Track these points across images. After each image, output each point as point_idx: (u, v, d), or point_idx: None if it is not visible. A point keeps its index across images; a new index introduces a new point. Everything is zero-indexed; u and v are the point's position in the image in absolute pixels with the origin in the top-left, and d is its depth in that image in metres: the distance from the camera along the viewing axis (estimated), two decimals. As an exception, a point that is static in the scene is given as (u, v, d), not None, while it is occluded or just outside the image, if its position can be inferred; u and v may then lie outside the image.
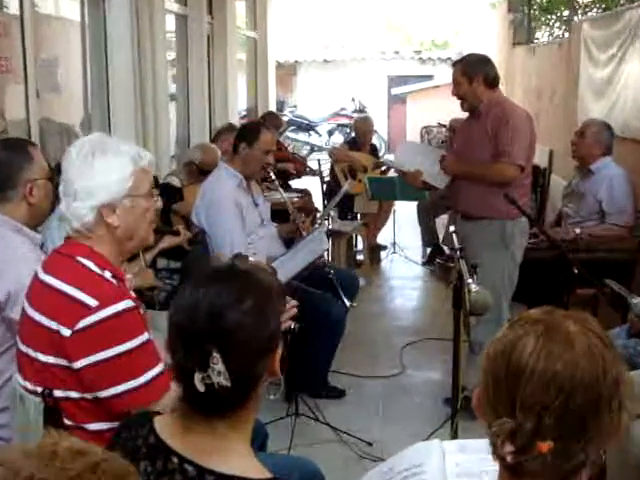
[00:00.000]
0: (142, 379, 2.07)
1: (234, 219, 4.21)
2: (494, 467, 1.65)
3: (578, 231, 5.03)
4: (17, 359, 2.24)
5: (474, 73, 4.29)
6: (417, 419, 4.35)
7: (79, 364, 2.05)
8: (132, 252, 2.43)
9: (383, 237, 8.38)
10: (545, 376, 1.19)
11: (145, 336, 2.10)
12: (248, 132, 4.44)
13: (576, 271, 3.06)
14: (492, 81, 4.34)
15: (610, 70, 6.07)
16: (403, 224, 8.53)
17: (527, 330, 1.26)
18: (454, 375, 3.08)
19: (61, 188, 2.21)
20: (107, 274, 2.16)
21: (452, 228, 3.31)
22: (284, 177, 7.71)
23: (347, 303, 4.57)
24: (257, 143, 4.32)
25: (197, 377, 1.45)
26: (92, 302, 2.05)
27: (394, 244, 8.18)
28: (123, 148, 2.22)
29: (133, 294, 2.21)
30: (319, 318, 4.12)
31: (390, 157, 4.87)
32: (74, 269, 2.15)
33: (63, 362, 2.09)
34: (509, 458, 1.20)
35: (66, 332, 2.05)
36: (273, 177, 4.81)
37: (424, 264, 7.95)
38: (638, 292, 3.27)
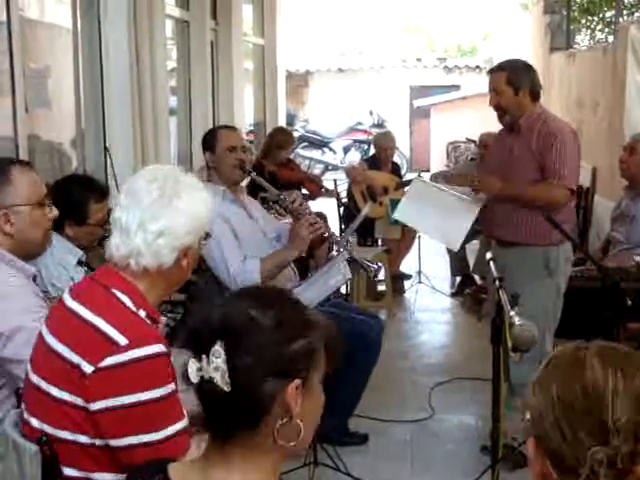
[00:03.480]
0: (163, 433, 2.05)
1: (223, 238, 4.16)
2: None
3: (639, 259, 5.01)
4: (24, 391, 2.24)
5: (521, 82, 4.27)
6: (450, 468, 4.33)
7: (96, 406, 2.04)
8: None
9: (407, 265, 8.39)
10: (633, 386, 1.22)
11: (172, 386, 2.09)
12: (206, 140, 4.50)
13: (630, 302, 3.05)
14: (537, 93, 4.35)
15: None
16: (429, 251, 8.52)
17: (577, 355, 1.30)
18: (494, 420, 3.06)
19: (126, 220, 2.20)
20: (142, 313, 2.17)
21: (489, 255, 3.31)
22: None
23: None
24: (218, 145, 4.37)
25: (192, 364, 1.47)
26: (122, 340, 2.05)
27: (419, 273, 8.17)
28: (201, 185, 2.31)
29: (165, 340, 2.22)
30: (354, 342, 4.03)
31: (398, 215, 4.85)
32: (107, 301, 2.16)
33: (79, 401, 2.07)
34: None
35: (88, 368, 2.04)
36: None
37: (453, 295, 7.96)
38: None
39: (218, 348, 1.45)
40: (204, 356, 1.46)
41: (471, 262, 7.81)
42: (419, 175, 6.28)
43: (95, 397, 2.04)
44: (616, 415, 1.20)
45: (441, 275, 8.32)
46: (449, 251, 7.97)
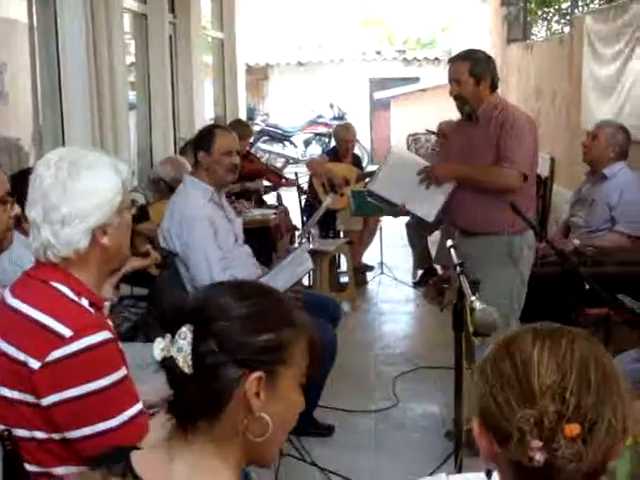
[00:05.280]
0: (119, 419, 2.05)
1: (209, 240, 4.18)
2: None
3: (577, 242, 5.11)
4: None
5: (483, 73, 4.29)
6: (415, 456, 4.34)
7: (48, 401, 2.03)
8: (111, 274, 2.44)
9: (369, 257, 8.41)
10: (557, 357, 1.29)
11: (123, 372, 2.08)
12: (203, 138, 4.45)
13: (587, 287, 3.08)
14: (496, 84, 4.38)
15: (617, 67, 6.17)
16: (391, 242, 8.57)
17: (517, 332, 1.38)
18: (457, 406, 3.08)
19: (33, 215, 2.16)
20: (84, 301, 2.15)
21: (450, 242, 3.32)
22: (257, 194, 7.73)
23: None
24: (214, 147, 4.32)
25: (158, 341, 1.47)
26: (66, 332, 2.03)
27: (381, 264, 8.21)
28: (105, 160, 2.22)
29: (111, 323, 2.19)
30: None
31: (376, 186, 4.80)
32: (47, 295, 2.13)
33: (30, 398, 2.06)
34: (538, 456, 1.24)
35: (35, 364, 2.02)
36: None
37: (415, 285, 8.00)
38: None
39: (185, 330, 1.45)
40: (170, 335, 1.46)
41: (433, 253, 7.85)
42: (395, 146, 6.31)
43: (46, 392, 2.03)
44: (542, 379, 1.27)
45: (403, 266, 8.36)
46: (411, 243, 8.02)
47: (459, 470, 3.00)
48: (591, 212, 5.34)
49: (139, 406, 2.11)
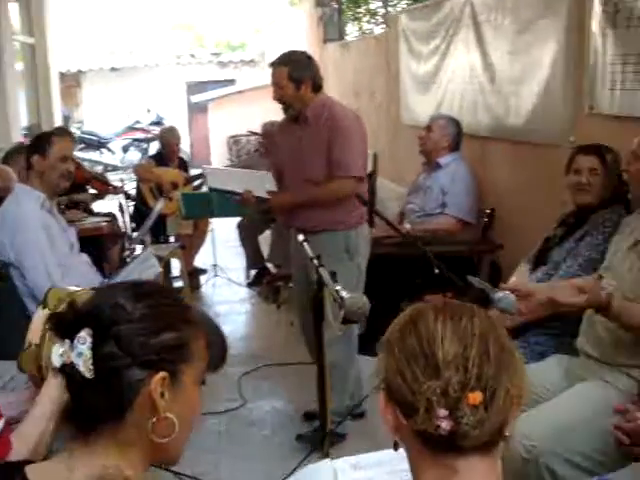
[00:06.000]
0: None
1: (45, 245, 4.03)
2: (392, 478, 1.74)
3: (409, 226, 5.34)
4: None
5: (303, 77, 4.28)
6: (267, 454, 4.37)
7: None
8: None
9: (201, 260, 8.36)
10: (459, 331, 1.36)
11: None
12: (39, 142, 4.30)
13: (437, 270, 3.20)
14: (319, 84, 4.38)
15: (435, 63, 6.42)
16: (222, 244, 8.56)
17: (419, 310, 1.43)
18: (320, 390, 3.07)
19: None
20: None
21: (301, 237, 3.35)
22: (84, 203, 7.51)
23: None
24: (51, 151, 4.19)
25: (56, 348, 1.44)
26: None
27: (215, 266, 8.19)
28: None
29: None
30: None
31: (211, 182, 4.89)
32: None
33: None
34: (444, 424, 1.29)
35: None
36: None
37: (249, 285, 8.02)
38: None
39: (84, 334, 1.42)
40: (68, 341, 1.43)
41: (265, 252, 7.91)
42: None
43: None
44: (446, 352, 1.33)
45: (236, 267, 8.38)
46: (243, 244, 8.04)
47: (326, 456, 3.05)
48: (426, 198, 5.61)
49: (1, 422, 2.03)
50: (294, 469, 3.82)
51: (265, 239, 7.95)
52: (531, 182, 5.08)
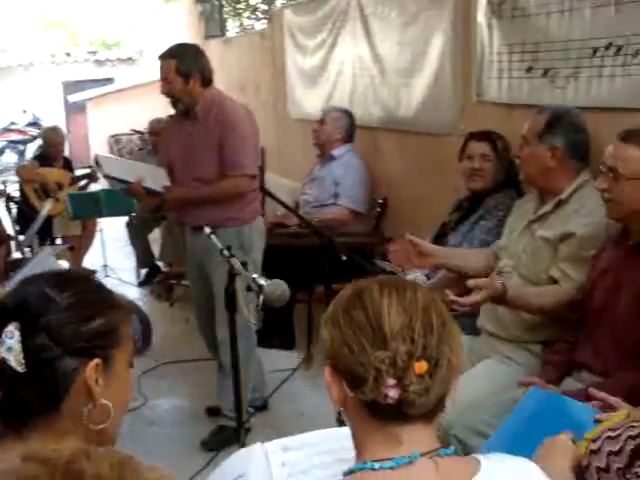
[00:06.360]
0: None
1: None
2: (324, 459, 1.76)
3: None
4: None
5: (191, 71, 4.18)
6: (171, 452, 4.34)
7: None
8: None
9: (91, 261, 8.19)
10: (404, 304, 1.40)
11: None
12: None
13: (345, 258, 3.24)
14: (208, 78, 4.29)
15: (322, 56, 6.46)
16: (112, 244, 8.41)
17: (364, 285, 1.47)
18: (236, 381, 3.06)
19: None
20: None
21: (208, 230, 3.32)
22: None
23: None
24: None
25: None
26: None
27: (105, 267, 8.03)
28: None
29: None
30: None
31: (106, 169, 4.80)
32: None
33: None
34: (392, 392, 1.33)
35: None
36: None
37: (141, 285, 7.92)
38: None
39: (12, 329, 1.40)
40: None
41: (156, 251, 7.82)
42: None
43: None
44: (392, 324, 1.37)
45: (126, 266, 8.24)
46: (133, 243, 7.92)
47: (242, 446, 3.04)
48: (319, 189, 5.66)
49: None
50: (208, 462, 3.83)
51: (155, 238, 7.87)
52: (423, 170, 5.17)
